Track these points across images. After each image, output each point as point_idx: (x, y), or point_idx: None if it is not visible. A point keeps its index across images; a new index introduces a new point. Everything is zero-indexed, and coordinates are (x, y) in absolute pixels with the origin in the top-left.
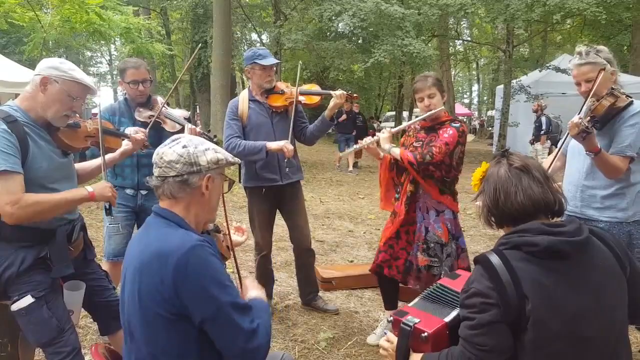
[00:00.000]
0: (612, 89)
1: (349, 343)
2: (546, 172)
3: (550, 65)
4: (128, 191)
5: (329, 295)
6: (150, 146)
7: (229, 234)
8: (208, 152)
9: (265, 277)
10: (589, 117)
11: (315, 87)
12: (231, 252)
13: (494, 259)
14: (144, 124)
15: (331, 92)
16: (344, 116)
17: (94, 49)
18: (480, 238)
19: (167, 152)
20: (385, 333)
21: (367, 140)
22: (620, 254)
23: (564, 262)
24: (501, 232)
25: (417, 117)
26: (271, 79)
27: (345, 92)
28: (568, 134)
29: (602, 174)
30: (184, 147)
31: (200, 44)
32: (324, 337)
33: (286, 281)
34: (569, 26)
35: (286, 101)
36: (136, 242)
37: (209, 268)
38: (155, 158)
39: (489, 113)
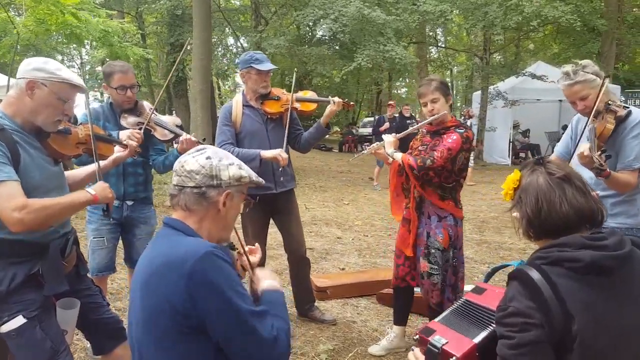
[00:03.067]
0: (609, 103)
1: (350, 355)
2: (585, 180)
3: (526, 72)
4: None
5: (324, 304)
6: (140, 151)
7: (245, 253)
8: (232, 167)
9: None
10: (599, 152)
11: (310, 94)
12: (247, 272)
13: (534, 274)
14: None
15: (327, 99)
16: (386, 124)
17: (65, 53)
18: (468, 243)
19: (190, 161)
20: (412, 349)
21: (375, 145)
22: None
23: (605, 278)
24: (491, 239)
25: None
26: (267, 84)
27: (341, 100)
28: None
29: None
30: (208, 158)
31: (183, 48)
32: (324, 349)
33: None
34: (541, 34)
35: (282, 107)
36: (145, 256)
37: (224, 275)
38: (176, 166)
39: (463, 120)
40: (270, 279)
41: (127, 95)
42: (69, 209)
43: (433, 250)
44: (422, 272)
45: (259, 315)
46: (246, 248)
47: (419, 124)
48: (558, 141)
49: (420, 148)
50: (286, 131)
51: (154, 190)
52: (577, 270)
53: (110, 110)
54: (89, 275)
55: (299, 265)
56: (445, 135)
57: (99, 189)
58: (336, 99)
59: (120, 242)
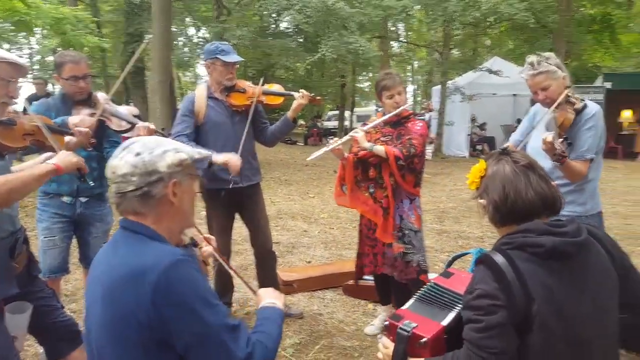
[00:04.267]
0: (568, 95)
1: (317, 347)
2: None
3: (483, 68)
4: (65, 199)
5: (291, 298)
6: (95, 144)
7: (208, 241)
8: (167, 154)
9: (225, 284)
10: (561, 139)
11: (276, 87)
12: (209, 267)
13: (499, 259)
14: None
15: (294, 93)
16: None
17: (13, 41)
18: (429, 233)
19: (119, 164)
20: (380, 338)
21: (339, 141)
22: (614, 254)
23: (565, 263)
24: (450, 228)
25: (358, 116)
26: (233, 76)
27: (308, 94)
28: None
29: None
30: (138, 154)
31: (141, 40)
32: (291, 343)
33: (244, 286)
34: (497, 31)
35: (247, 100)
36: (103, 261)
37: (194, 286)
38: (107, 173)
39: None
40: (271, 297)
41: (80, 86)
42: (33, 182)
43: (407, 232)
44: (396, 254)
45: (232, 330)
46: (206, 235)
47: (388, 115)
48: (512, 133)
49: (382, 139)
50: (247, 126)
51: (110, 185)
52: (539, 255)
53: (62, 102)
54: (40, 276)
55: (265, 259)
56: (409, 124)
57: (61, 157)
58: (303, 92)
59: (74, 241)
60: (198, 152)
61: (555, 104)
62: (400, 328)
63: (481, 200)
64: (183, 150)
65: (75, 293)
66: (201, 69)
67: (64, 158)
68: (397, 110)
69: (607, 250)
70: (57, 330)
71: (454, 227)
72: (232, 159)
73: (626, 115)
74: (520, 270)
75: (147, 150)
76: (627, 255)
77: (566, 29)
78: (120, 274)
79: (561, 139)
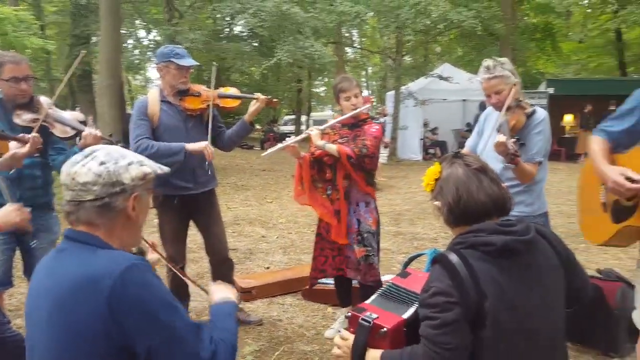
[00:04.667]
0: (519, 100)
1: (277, 353)
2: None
3: (434, 74)
4: None
5: (250, 305)
6: (41, 150)
7: (153, 247)
8: (132, 166)
9: (179, 293)
10: (513, 139)
11: (232, 90)
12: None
13: (453, 257)
14: (25, 129)
15: (251, 95)
16: None
17: None
18: (385, 235)
19: (81, 171)
20: (340, 331)
21: (293, 139)
22: (561, 251)
23: (514, 261)
24: (406, 230)
25: (315, 120)
26: (187, 80)
27: (265, 96)
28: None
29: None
30: (102, 163)
31: (91, 42)
32: (250, 350)
33: (201, 295)
34: (447, 38)
35: (202, 104)
36: (45, 274)
37: (151, 288)
38: (65, 179)
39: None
40: (223, 292)
41: (21, 88)
42: None
43: (366, 235)
44: (359, 257)
45: (195, 329)
46: (151, 241)
47: (345, 115)
48: (462, 137)
49: (340, 140)
50: (209, 128)
51: (56, 194)
52: (490, 254)
53: (0, 106)
54: None
55: (221, 267)
56: (365, 127)
57: (4, 213)
58: (260, 95)
59: (19, 253)
60: (159, 167)
61: (505, 105)
62: (362, 319)
63: (436, 202)
64: (147, 164)
65: (20, 307)
66: (152, 72)
67: (4, 216)
68: (354, 112)
69: (554, 247)
70: (5, 346)
71: (409, 229)
72: (207, 146)
73: (568, 119)
74: (473, 268)
75: (112, 160)
76: (572, 252)
77: (511, 36)
78: (71, 283)
79: (513, 139)
